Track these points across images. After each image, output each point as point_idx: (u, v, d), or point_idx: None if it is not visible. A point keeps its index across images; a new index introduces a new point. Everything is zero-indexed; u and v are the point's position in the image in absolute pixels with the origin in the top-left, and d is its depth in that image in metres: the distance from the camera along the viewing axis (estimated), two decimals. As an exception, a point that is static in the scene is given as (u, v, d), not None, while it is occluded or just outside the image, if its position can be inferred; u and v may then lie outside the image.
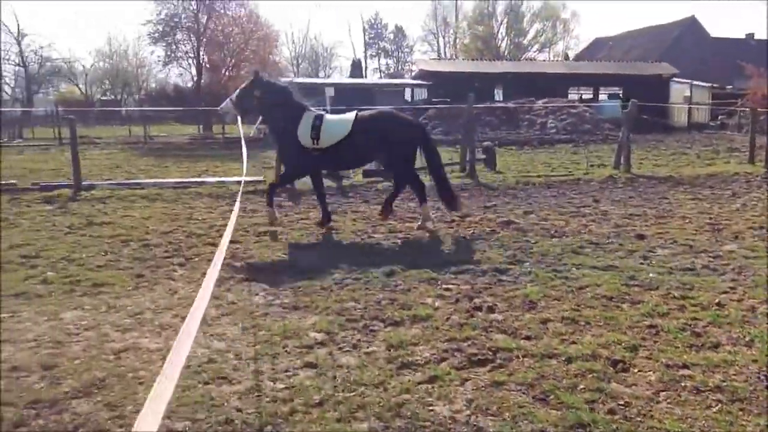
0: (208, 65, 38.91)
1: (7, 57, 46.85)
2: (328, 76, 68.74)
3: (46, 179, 12.32)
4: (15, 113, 30.83)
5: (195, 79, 38.63)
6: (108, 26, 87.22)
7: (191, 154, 20.35)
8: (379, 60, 79.46)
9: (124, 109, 42.09)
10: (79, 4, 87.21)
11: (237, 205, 5.11)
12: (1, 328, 4.09)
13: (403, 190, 8.26)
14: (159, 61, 41.97)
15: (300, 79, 43.72)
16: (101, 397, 3.31)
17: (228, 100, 8.00)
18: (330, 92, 34.43)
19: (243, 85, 7.98)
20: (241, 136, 8.25)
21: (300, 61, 71.71)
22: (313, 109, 7.93)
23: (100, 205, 9.51)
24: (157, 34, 36.83)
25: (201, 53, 36.98)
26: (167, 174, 14.28)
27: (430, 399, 3.35)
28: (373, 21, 78.08)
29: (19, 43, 46.45)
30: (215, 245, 6.94)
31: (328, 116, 7.85)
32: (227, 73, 40.27)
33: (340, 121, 7.75)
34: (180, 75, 43.19)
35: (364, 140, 7.60)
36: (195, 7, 36.18)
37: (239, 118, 8.05)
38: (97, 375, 3.55)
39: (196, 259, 6.34)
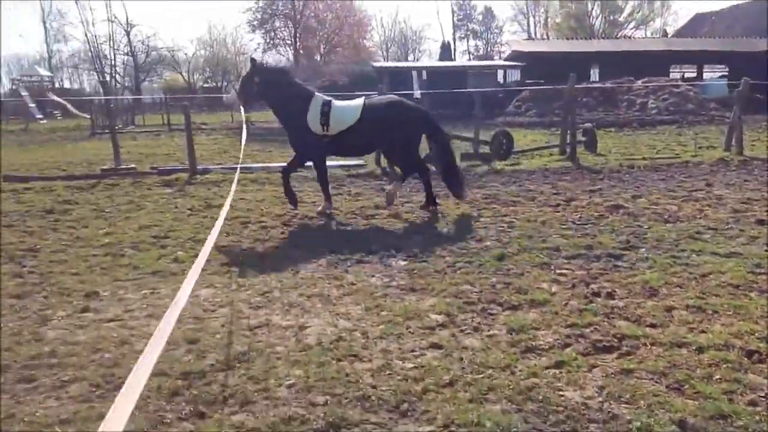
0: (302, 51, 39.84)
1: (117, 47, 49.77)
2: (417, 60, 68.46)
3: (160, 163, 13.06)
4: (127, 101, 32.68)
5: (291, 65, 39.60)
6: (209, 15, 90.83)
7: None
8: (467, 42, 78.39)
9: (224, 95, 43.68)
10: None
11: (232, 191, 5.22)
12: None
13: (428, 174, 8.06)
14: (257, 48, 43.41)
15: (390, 63, 43.84)
16: (244, 370, 3.53)
17: (232, 90, 8.16)
18: (422, 76, 34.39)
19: (244, 73, 8.04)
20: (243, 122, 8.42)
21: (389, 45, 71.80)
22: (319, 94, 7.89)
23: (215, 188, 10.00)
24: (256, 22, 38.08)
25: (297, 39, 37.89)
26: (272, 159, 14.75)
27: (559, 384, 3.36)
28: (461, 2, 77.01)
29: (128, 34, 49.16)
30: (327, 228, 7.18)
31: (336, 102, 7.81)
32: (322, 59, 41.14)
33: (348, 108, 7.75)
34: (278, 62, 44.49)
35: (372, 127, 7.60)
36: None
37: (242, 107, 8.18)
38: (238, 349, 3.78)
39: (312, 240, 6.57)
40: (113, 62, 49.78)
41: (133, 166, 12.21)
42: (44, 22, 50.05)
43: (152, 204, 8.67)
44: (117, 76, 49.82)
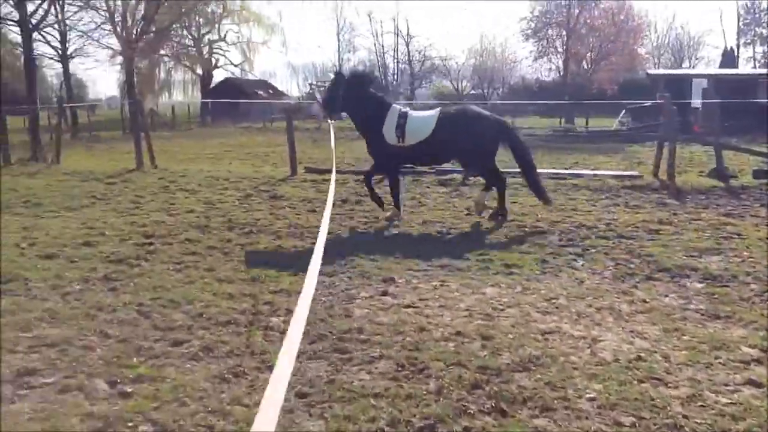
0: (570, 58, 38.95)
1: (397, 57, 54.33)
2: (693, 67, 62.29)
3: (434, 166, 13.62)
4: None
5: (561, 72, 38.94)
6: (482, 26, 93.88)
7: (555, 147, 20.50)
8: (753, 48, 69.08)
9: (489, 102, 44.59)
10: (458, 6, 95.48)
11: (330, 198, 5.06)
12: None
13: (504, 186, 8.12)
14: (528, 57, 43.56)
15: (667, 71, 40.64)
16: (540, 374, 3.49)
17: (316, 102, 8.20)
18: (702, 84, 31.20)
19: (329, 85, 8.17)
20: (332, 134, 8.41)
21: (662, 52, 66.38)
22: (397, 105, 8.00)
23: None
24: (530, 31, 38.18)
25: (568, 47, 37.18)
26: (539, 164, 14.56)
27: None
28: (749, 5, 67.97)
29: (407, 45, 53.10)
30: (607, 238, 6.84)
31: (412, 113, 7.92)
32: (591, 66, 39.70)
33: (423, 119, 7.82)
34: (550, 70, 44.22)
35: (447, 138, 7.62)
36: (567, 2, 36.43)
37: (328, 119, 8.46)
38: (532, 352, 3.75)
39: (593, 251, 6.32)
40: (396, 70, 54.44)
41: (410, 165, 12.92)
42: (338, 35, 56.15)
43: (432, 201, 9.08)
44: (394, 82, 54.00)
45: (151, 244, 6.59)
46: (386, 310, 4.54)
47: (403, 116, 7.76)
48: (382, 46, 55.38)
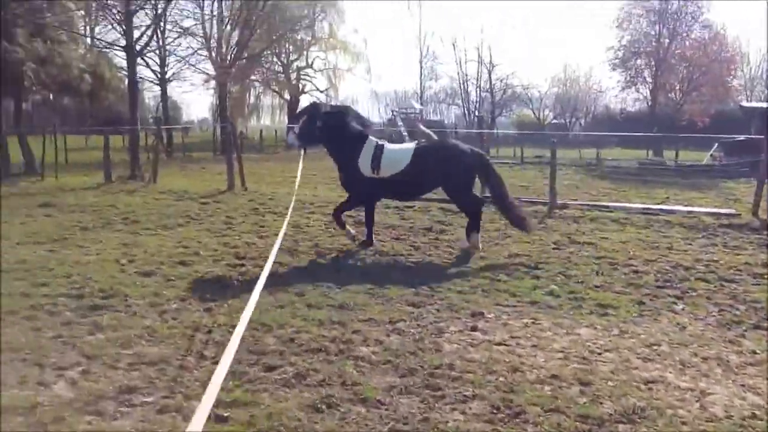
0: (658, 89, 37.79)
1: (479, 85, 54.33)
2: (789, 99, 58.87)
3: (517, 194, 13.40)
4: (484, 133, 34.92)
5: (649, 103, 37.73)
6: (566, 55, 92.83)
7: (644, 180, 19.74)
8: None
9: (570, 132, 43.81)
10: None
11: (281, 233, 5.23)
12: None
13: (479, 215, 7.91)
14: (614, 87, 42.65)
15: (758, 104, 38.73)
16: (645, 428, 3.30)
17: (291, 132, 8.24)
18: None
19: (304, 118, 8.11)
20: (300, 166, 8.41)
21: (755, 84, 63.15)
22: (374, 138, 7.98)
23: (574, 224, 9.85)
24: (617, 60, 37.30)
25: (656, 78, 36.10)
26: (627, 198, 14.09)
27: None
28: None
29: (489, 73, 52.96)
30: (708, 281, 6.50)
31: (389, 146, 7.96)
32: (681, 98, 38.32)
33: (400, 152, 7.87)
34: (636, 100, 43.03)
35: (423, 171, 7.64)
36: (657, 32, 35.42)
37: (303, 150, 8.46)
38: (636, 403, 3.55)
39: (693, 294, 5.99)
40: (478, 98, 54.58)
41: (487, 195, 12.74)
42: (420, 63, 56.54)
43: (517, 233, 8.89)
44: (475, 110, 53.96)
45: (242, 265, 6.75)
46: (477, 347, 4.43)
47: (379, 148, 7.79)
48: (465, 74, 55.49)
